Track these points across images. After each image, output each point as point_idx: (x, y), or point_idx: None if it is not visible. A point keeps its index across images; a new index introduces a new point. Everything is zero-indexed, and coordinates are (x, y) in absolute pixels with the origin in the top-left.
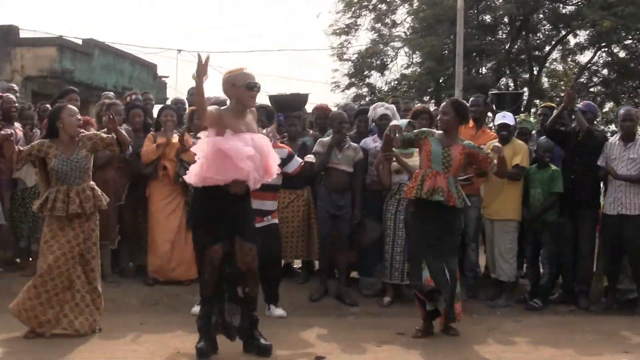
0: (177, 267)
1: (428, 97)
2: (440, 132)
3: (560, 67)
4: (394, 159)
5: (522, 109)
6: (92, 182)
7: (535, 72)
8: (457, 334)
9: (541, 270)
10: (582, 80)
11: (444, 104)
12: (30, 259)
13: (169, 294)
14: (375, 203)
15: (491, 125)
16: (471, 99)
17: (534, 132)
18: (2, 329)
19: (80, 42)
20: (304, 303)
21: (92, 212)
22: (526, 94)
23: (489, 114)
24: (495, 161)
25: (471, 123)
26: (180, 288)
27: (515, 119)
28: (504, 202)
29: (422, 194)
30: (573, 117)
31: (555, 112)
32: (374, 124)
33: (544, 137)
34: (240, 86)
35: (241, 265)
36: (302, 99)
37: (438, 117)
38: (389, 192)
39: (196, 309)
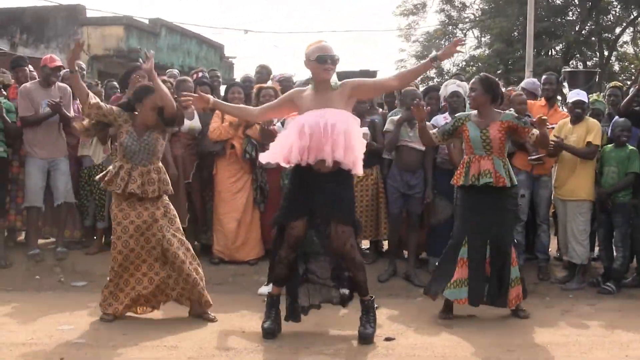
0: (242, 246)
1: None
2: (475, 112)
3: (631, 50)
4: None
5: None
6: (160, 165)
7: (605, 55)
8: (527, 316)
9: (614, 253)
10: None
11: (472, 80)
12: (95, 237)
13: (235, 273)
14: (446, 182)
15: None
16: (544, 76)
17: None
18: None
19: (147, 21)
20: (371, 284)
21: (156, 197)
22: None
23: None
24: (535, 131)
25: (543, 101)
26: (246, 268)
27: (588, 97)
28: (577, 182)
29: (468, 180)
30: None
31: (631, 93)
32: (444, 101)
33: (623, 117)
34: (313, 60)
35: (332, 248)
36: (371, 75)
37: (467, 94)
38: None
39: (263, 289)
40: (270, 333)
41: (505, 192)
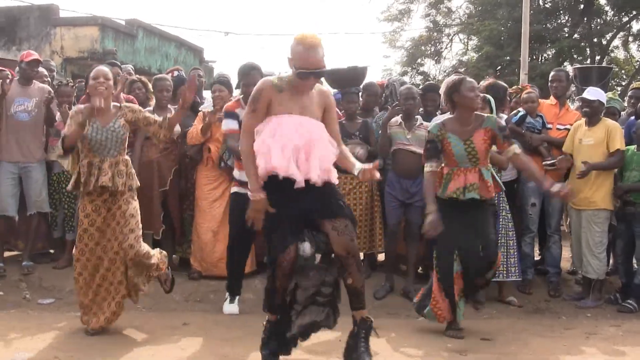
0: (219, 261)
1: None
2: (447, 118)
3: (622, 55)
4: None
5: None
6: (127, 157)
7: (596, 60)
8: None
9: (635, 266)
10: None
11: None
12: (65, 250)
13: (216, 289)
14: None
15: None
16: (552, 73)
17: (623, 113)
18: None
19: (123, 22)
20: (367, 301)
21: (123, 191)
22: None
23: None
24: (514, 148)
25: (553, 100)
26: None
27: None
28: (594, 190)
29: (446, 193)
30: None
31: None
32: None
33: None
34: (295, 68)
35: (338, 248)
36: (360, 72)
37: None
38: None
39: (229, 308)
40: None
41: (487, 201)
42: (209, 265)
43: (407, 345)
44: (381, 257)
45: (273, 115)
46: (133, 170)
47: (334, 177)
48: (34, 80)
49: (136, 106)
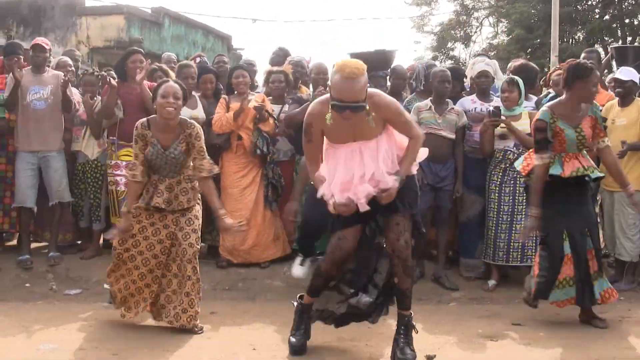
0: (253, 248)
1: None
2: (555, 103)
3: None
4: (502, 124)
5: None
6: (191, 172)
7: (628, 41)
8: (606, 326)
9: None
10: None
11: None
12: (92, 240)
13: (245, 277)
14: (475, 174)
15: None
16: (583, 54)
17: None
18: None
19: (149, 11)
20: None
21: (185, 209)
22: None
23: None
24: (607, 141)
25: None
26: (257, 271)
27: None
28: (628, 171)
29: (564, 173)
30: None
31: None
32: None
33: None
34: (330, 101)
35: (387, 247)
36: (388, 55)
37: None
38: (492, 160)
39: (298, 269)
40: (299, 349)
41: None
42: (240, 253)
43: (438, 331)
44: None
45: (327, 143)
46: (197, 184)
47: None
48: (47, 68)
49: (199, 131)
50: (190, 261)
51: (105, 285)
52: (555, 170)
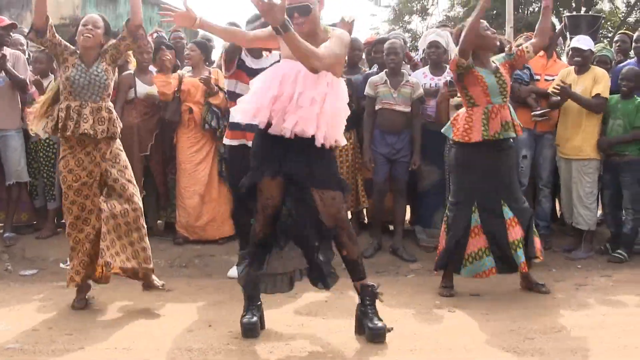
0: (208, 224)
1: None
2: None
3: (607, 7)
4: (458, 94)
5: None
6: (110, 104)
7: (582, 10)
8: (548, 291)
9: (623, 216)
10: (631, 18)
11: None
12: (47, 219)
13: (201, 254)
14: (431, 145)
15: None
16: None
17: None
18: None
19: None
20: None
21: (105, 138)
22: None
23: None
24: (527, 44)
25: (541, 52)
26: (214, 247)
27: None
28: (583, 139)
29: (491, 134)
30: None
31: None
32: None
33: (628, 65)
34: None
35: (325, 219)
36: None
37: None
38: None
39: (234, 270)
40: (252, 329)
41: (511, 145)
42: (195, 229)
43: (396, 303)
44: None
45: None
46: (116, 116)
47: (338, 139)
48: (5, 47)
49: (113, 41)
50: (130, 181)
51: (62, 265)
52: (477, 134)
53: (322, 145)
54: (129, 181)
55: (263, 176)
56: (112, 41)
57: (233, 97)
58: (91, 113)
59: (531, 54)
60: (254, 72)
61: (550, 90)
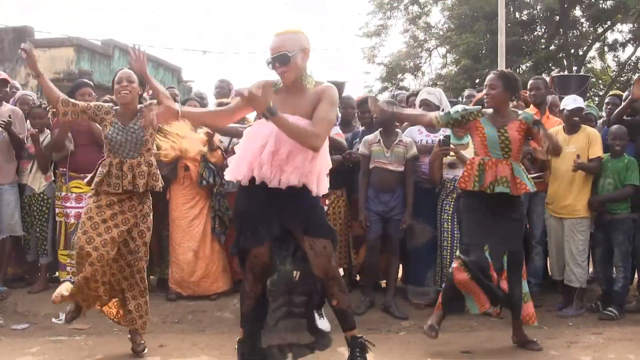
0: (202, 280)
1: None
2: (490, 110)
3: (598, 66)
4: (451, 152)
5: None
6: (152, 158)
7: (573, 71)
8: (541, 349)
9: (614, 274)
10: (622, 77)
11: (490, 76)
12: (40, 274)
13: (194, 310)
14: (424, 202)
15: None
16: (530, 81)
17: (599, 121)
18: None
19: (99, 43)
20: None
21: (145, 192)
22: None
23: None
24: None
25: (533, 109)
26: (207, 304)
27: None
28: (576, 198)
29: (482, 187)
30: None
31: (623, 104)
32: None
33: (617, 125)
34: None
35: (316, 270)
36: (339, 87)
37: (484, 93)
38: (443, 189)
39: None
40: None
41: (518, 200)
42: (189, 285)
43: (389, 359)
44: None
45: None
46: (156, 169)
47: (322, 188)
48: (4, 102)
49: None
50: (146, 244)
51: (54, 320)
52: (474, 185)
53: (311, 194)
54: (145, 244)
55: (251, 247)
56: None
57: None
58: (130, 169)
59: (545, 146)
60: None
61: (572, 168)
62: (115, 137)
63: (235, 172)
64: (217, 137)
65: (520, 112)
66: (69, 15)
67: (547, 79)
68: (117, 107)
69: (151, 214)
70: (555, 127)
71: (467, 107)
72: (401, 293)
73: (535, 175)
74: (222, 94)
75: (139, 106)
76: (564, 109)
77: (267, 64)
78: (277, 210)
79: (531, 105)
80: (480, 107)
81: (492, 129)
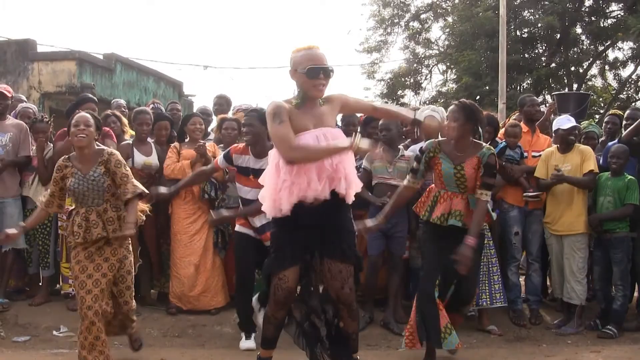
0: (202, 294)
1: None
2: (449, 142)
3: (599, 83)
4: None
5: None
6: (119, 202)
7: (574, 88)
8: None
9: (613, 292)
10: (623, 95)
11: (451, 107)
12: (40, 284)
13: (195, 324)
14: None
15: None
16: (520, 97)
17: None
18: None
19: (101, 56)
20: None
21: (117, 238)
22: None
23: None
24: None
25: (525, 127)
26: (207, 318)
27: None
28: (574, 215)
29: (432, 218)
30: None
31: (636, 123)
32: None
33: (617, 143)
34: (302, 72)
35: (331, 292)
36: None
37: (446, 124)
38: None
39: (245, 343)
40: None
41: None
42: (189, 299)
43: None
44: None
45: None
46: (123, 213)
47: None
48: (8, 116)
49: (120, 158)
50: (129, 288)
51: (55, 333)
52: (424, 215)
53: (345, 208)
54: (128, 288)
55: (278, 270)
56: (115, 158)
57: (242, 171)
58: (99, 216)
59: (476, 195)
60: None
61: (549, 179)
62: (78, 187)
63: (276, 208)
64: (218, 152)
65: (484, 146)
66: (71, 28)
67: (548, 97)
68: (73, 152)
69: (130, 257)
70: (548, 146)
71: (422, 147)
72: (402, 309)
73: (532, 194)
74: (221, 111)
75: (96, 148)
76: (558, 129)
77: (309, 71)
78: (309, 232)
79: (522, 123)
80: (435, 140)
81: (449, 165)
